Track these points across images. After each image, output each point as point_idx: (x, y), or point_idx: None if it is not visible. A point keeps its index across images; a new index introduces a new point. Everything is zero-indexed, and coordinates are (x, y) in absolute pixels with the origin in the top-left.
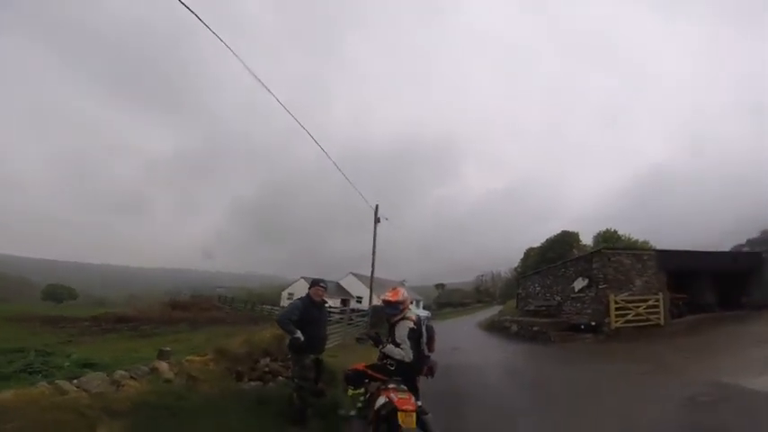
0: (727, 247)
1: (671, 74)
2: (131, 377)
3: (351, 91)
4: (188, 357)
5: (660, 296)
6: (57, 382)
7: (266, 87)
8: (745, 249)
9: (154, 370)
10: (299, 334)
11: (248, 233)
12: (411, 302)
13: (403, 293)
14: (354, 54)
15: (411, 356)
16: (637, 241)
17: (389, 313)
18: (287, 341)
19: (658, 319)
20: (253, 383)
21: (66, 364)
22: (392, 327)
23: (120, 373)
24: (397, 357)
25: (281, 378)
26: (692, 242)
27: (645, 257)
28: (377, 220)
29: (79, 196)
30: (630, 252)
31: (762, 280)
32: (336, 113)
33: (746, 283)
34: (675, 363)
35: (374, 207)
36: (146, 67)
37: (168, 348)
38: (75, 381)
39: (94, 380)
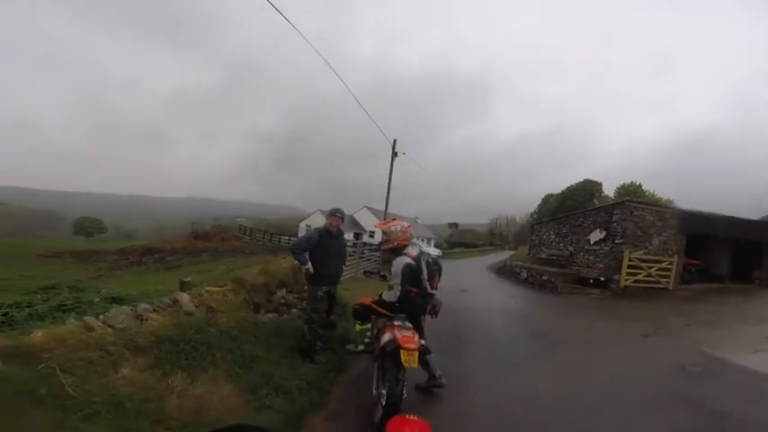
0: (757, 217)
1: (733, 33)
2: (154, 310)
3: (381, 19)
4: (207, 288)
5: (675, 260)
6: (84, 319)
7: (287, 19)
8: None
9: (175, 302)
10: (309, 266)
11: (269, 164)
12: (414, 238)
13: (394, 226)
14: None
15: (397, 295)
16: (660, 199)
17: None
18: (303, 271)
19: (668, 283)
20: (269, 315)
21: (97, 299)
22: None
23: (142, 306)
24: (388, 300)
25: (294, 310)
26: (720, 208)
27: (667, 216)
28: (394, 154)
29: (103, 132)
30: (654, 208)
31: None
32: (365, 44)
33: (760, 255)
34: (675, 329)
35: (392, 141)
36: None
37: (189, 279)
38: (101, 317)
39: (119, 315)
